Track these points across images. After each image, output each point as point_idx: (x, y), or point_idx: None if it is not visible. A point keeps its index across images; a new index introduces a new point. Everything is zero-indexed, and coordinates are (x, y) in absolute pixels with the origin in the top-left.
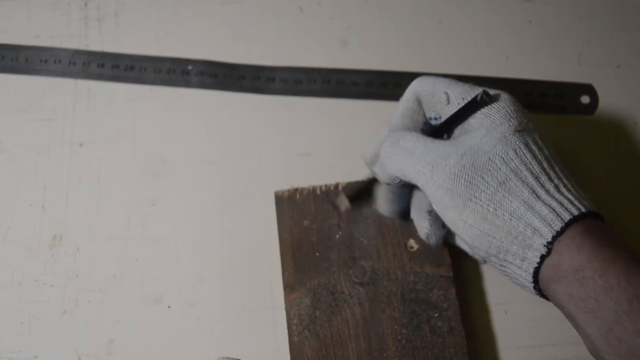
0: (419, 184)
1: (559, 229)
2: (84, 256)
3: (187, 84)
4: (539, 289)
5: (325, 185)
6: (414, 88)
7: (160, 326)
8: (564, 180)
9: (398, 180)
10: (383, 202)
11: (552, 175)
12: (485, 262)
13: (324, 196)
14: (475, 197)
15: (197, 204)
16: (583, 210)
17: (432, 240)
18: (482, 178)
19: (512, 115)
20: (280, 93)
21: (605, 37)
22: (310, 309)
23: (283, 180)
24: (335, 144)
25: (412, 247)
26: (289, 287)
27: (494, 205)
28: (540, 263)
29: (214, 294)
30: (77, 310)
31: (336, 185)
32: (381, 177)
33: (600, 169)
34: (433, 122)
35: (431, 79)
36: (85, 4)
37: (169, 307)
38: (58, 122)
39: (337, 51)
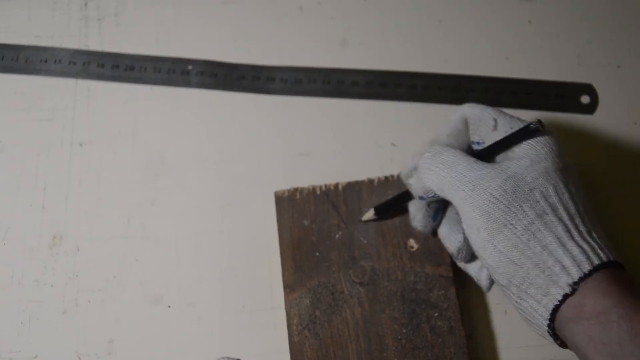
0: (455, 201)
1: (587, 272)
2: (84, 256)
3: (187, 84)
4: (553, 328)
5: (325, 185)
6: (463, 110)
7: (160, 326)
8: (595, 226)
9: (432, 194)
10: (417, 215)
11: (586, 219)
12: (489, 291)
13: (324, 196)
14: (511, 225)
15: (197, 204)
16: (611, 258)
17: (461, 256)
18: (521, 207)
19: (557, 153)
20: (280, 93)
21: (605, 37)
22: (310, 309)
23: (283, 180)
24: (335, 144)
25: (412, 247)
26: (289, 287)
27: (527, 235)
28: (562, 301)
29: (214, 294)
30: (77, 310)
31: (336, 185)
32: (415, 190)
33: (600, 169)
34: (475, 147)
35: (480, 106)
36: (85, 4)
37: (169, 307)
38: (58, 122)
39: (337, 51)
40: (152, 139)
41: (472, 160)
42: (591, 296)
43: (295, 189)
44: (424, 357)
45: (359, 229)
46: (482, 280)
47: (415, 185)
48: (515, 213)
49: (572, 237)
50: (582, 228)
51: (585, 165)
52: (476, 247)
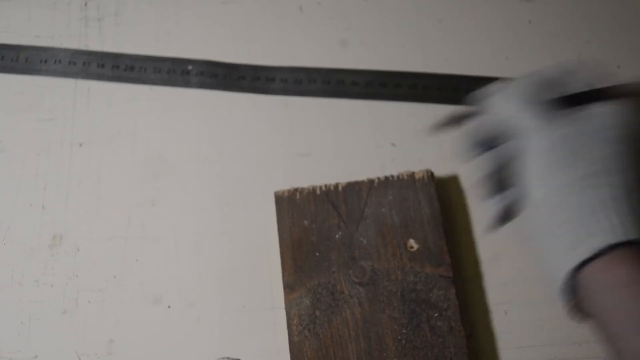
0: (524, 134)
1: (634, 238)
2: (84, 256)
3: (187, 84)
4: (571, 286)
5: (325, 185)
6: (540, 70)
7: (160, 326)
8: None
9: (502, 125)
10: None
11: None
12: (498, 228)
13: (324, 196)
14: (574, 167)
15: (197, 204)
16: None
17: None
18: (591, 156)
19: (634, 125)
20: (280, 93)
21: (605, 37)
22: (310, 309)
23: (283, 180)
24: (335, 144)
25: (412, 247)
26: (289, 287)
27: (585, 183)
28: (594, 258)
29: (214, 294)
30: (77, 310)
31: (336, 185)
32: (490, 114)
33: None
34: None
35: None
36: (85, 4)
37: (169, 307)
38: (58, 122)
39: (337, 51)
40: (152, 139)
41: (553, 103)
42: (628, 263)
43: (295, 189)
44: (424, 357)
45: (359, 229)
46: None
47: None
48: (583, 160)
49: (630, 203)
50: (637, 202)
51: None
52: (530, 178)
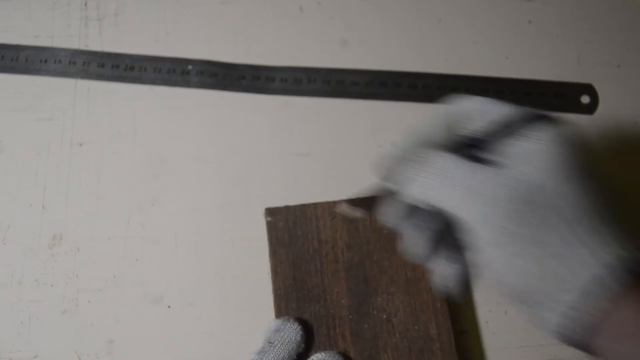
0: (454, 211)
1: (626, 282)
2: (84, 256)
3: (187, 83)
4: (570, 337)
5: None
6: (448, 108)
7: (160, 326)
8: (615, 225)
9: (422, 204)
10: (391, 213)
11: (606, 217)
12: (461, 301)
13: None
14: (519, 235)
15: (197, 204)
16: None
17: (459, 289)
18: (530, 214)
19: (569, 145)
20: (280, 93)
21: (605, 37)
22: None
23: (283, 180)
24: (335, 144)
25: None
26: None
27: (537, 244)
28: (595, 316)
29: (214, 294)
30: (77, 310)
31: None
32: (402, 193)
33: (600, 169)
34: (465, 139)
35: (468, 99)
36: (85, 4)
37: (169, 307)
38: (58, 122)
39: (337, 51)
40: (152, 139)
41: (469, 165)
42: (634, 309)
43: (287, 208)
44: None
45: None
46: (450, 287)
47: (403, 190)
48: (524, 222)
49: (604, 245)
50: (601, 228)
51: None
52: (481, 261)
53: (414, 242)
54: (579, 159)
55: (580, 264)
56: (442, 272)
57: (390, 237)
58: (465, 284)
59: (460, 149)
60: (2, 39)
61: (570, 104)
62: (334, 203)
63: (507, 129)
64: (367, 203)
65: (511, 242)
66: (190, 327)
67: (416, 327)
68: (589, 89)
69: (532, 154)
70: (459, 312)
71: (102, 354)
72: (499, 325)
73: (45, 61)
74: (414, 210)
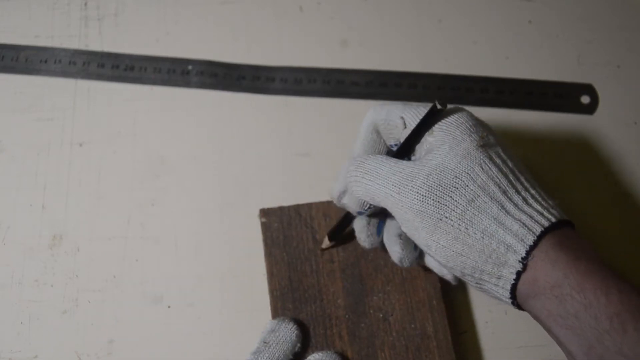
0: (388, 206)
1: (532, 243)
2: (84, 256)
3: (187, 84)
4: (518, 305)
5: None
6: (369, 118)
7: (160, 326)
8: (531, 190)
9: (368, 206)
10: (361, 235)
11: (519, 187)
12: (456, 283)
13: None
14: (446, 217)
15: (197, 204)
16: (553, 220)
17: (406, 263)
18: (451, 197)
19: (472, 130)
20: (280, 93)
21: (605, 37)
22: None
23: (283, 180)
24: (335, 144)
25: None
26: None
27: (464, 224)
28: (517, 280)
29: (214, 294)
30: (77, 310)
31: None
32: (352, 206)
33: (600, 169)
34: (395, 149)
35: (385, 107)
36: (85, 4)
37: (169, 307)
38: (58, 122)
39: (337, 51)
40: (152, 139)
41: (393, 162)
42: (542, 268)
43: (281, 209)
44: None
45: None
46: (445, 275)
47: (349, 203)
48: (446, 205)
49: (508, 213)
50: (517, 199)
51: (585, 166)
52: (421, 246)
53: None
54: (476, 139)
55: (515, 237)
56: (390, 254)
57: None
58: (413, 257)
59: (391, 151)
60: (2, 39)
61: (570, 104)
62: (328, 203)
63: (421, 132)
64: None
65: (439, 225)
66: (190, 327)
67: (413, 326)
68: (589, 89)
69: (437, 144)
70: (458, 312)
71: (102, 354)
72: (499, 325)
73: (45, 61)
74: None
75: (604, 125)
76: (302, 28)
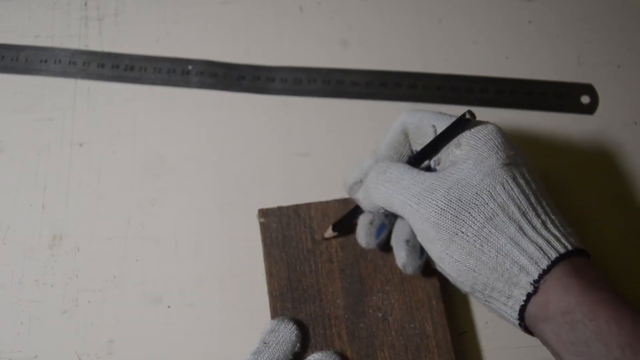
0: (405, 215)
1: (546, 267)
2: (84, 256)
3: (187, 84)
4: (525, 327)
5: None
6: (402, 120)
7: (160, 326)
8: (551, 215)
9: (383, 210)
10: (361, 232)
11: (540, 210)
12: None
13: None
14: (462, 232)
15: (197, 204)
16: (569, 248)
17: (409, 270)
18: (469, 213)
19: (499, 147)
20: (280, 93)
21: (605, 37)
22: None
23: (283, 180)
24: (335, 144)
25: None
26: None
27: (480, 241)
28: (527, 301)
29: (214, 294)
30: (77, 310)
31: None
32: (365, 205)
33: (600, 169)
34: (418, 149)
35: (419, 113)
36: (85, 4)
37: (169, 307)
38: (58, 122)
39: (337, 51)
40: (152, 139)
41: (415, 172)
42: (554, 293)
43: (280, 209)
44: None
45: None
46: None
47: (364, 202)
48: (464, 220)
49: (525, 235)
50: (536, 222)
51: (585, 166)
52: (434, 258)
53: (408, 255)
54: (502, 157)
55: (529, 259)
56: (396, 257)
57: None
58: (416, 265)
59: (414, 159)
60: (2, 39)
61: (570, 104)
62: (327, 203)
63: (446, 139)
64: (347, 220)
65: (454, 239)
66: (190, 327)
67: (412, 325)
68: (589, 89)
69: (462, 158)
70: (458, 312)
71: (102, 354)
72: (499, 325)
73: (45, 61)
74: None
75: (604, 125)
76: (302, 28)
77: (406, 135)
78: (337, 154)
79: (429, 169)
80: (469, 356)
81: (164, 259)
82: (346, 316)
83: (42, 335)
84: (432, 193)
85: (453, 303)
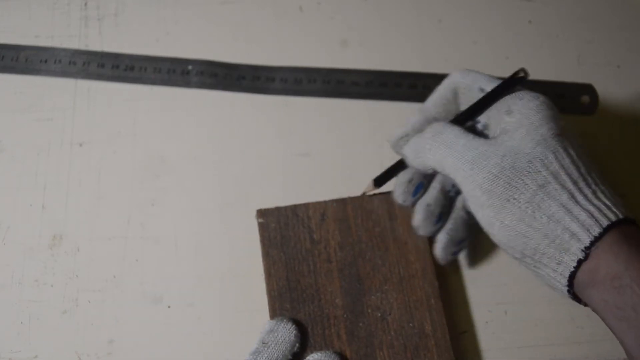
0: (457, 180)
1: (597, 234)
2: (84, 256)
3: (187, 84)
4: (573, 293)
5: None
6: (453, 79)
7: (160, 326)
8: (601, 186)
9: (431, 171)
10: (399, 189)
11: (590, 180)
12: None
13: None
14: (514, 199)
15: (197, 204)
16: (620, 216)
17: (420, 232)
18: (522, 180)
19: (551, 118)
20: (280, 93)
21: (605, 37)
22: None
23: (283, 180)
24: (335, 144)
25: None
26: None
27: (532, 207)
28: (577, 267)
29: (214, 294)
30: (77, 310)
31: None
32: (413, 162)
33: (600, 169)
34: (467, 111)
35: (472, 73)
36: (85, 4)
37: (169, 307)
38: (58, 122)
39: (337, 51)
40: (152, 139)
41: (470, 137)
42: (604, 259)
43: (278, 209)
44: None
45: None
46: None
47: (413, 159)
48: (516, 187)
49: (577, 202)
50: (587, 191)
51: None
52: (483, 224)
53: (424, 218)
54: (554, 127)
55: (581, 226)
56: (444, 243)
57: (382, 235)
58: (428, 231)
59: (460, 117)
60: (2, 39)
61: (570, 104)
62: (325, 203)
63: (495, 97)
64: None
65: (506, 205)
66: (190, 327)
67: (411, 324)
68: (589, 89)
69: (514, 126)
70: (458, 312)
71: (102, 354)
72: (499, 325)
73: (45, 61)
74: (424, 183)
75: (604, 125)
76: (302, 28)
77: (456, 94)
78: (337, 154)
79: (473, 129)
80: (469, 356)
81: (164, 259)
82: (345, 316)
83: (42, 335)
84: (486, 159)
85: (453, 303)
